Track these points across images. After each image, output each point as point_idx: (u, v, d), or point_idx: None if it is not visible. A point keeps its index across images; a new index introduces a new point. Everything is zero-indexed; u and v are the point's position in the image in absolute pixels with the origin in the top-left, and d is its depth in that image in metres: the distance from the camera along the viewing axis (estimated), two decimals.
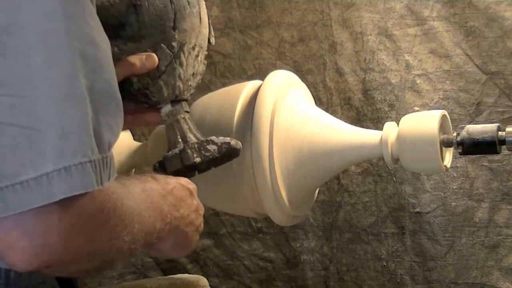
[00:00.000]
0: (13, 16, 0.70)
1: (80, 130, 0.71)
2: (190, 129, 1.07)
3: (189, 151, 1.04)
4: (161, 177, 0.92)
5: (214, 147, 1.05)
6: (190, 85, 1.07)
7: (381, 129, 1.15)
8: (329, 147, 1.16)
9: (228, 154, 1.06)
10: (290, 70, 1.29)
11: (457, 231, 1.54)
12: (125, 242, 0.77)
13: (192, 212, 0.95)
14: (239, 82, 1.29)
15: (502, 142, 1.11)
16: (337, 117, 1.24)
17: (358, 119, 1.57)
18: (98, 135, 0.73)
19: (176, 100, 1.06)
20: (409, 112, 1.22)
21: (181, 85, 1.05)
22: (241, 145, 1.08)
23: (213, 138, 1.05)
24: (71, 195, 0.70)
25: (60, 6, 0.72)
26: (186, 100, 1.08)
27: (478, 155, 1.48)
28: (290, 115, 1.18)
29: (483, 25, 1.50)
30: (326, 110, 1.43)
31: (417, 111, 1.40)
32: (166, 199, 0.89)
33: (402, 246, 1.57)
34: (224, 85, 1.48)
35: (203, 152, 1.04)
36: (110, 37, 0.98)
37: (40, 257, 0.71)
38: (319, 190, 1.32)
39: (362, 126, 1.32)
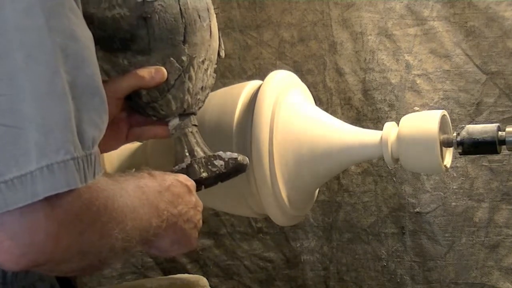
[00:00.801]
0: None
1: (62, 127, 0.71)
2: (197, 143, 1.06)
3: (196, 166, 1.03)
4: (158, 173, 0.91)
5: (221, 162, 1.05)
6: (199, 98, 1.07)
7: (381, 129, 1.15)
8: (329, 147, 1.16)
9: (235, 170, 1.06)
10: (290, 70, 1.29)
11: (457, 231, 1.54)
12: (118, 239, 0.77)
13: (190, 208, 0.95)
14: (239, 82, 1.29)
15: (502, 142, 1.11)
16: (337, 117, 1.24)
17: (358, 119, 1.57)
18: (81, 132, 0.73)
19: (184, 114, 1.06)
20: (409, 112, 1.22)
21: (189, 99, 1.05)
22: (248, 161, 1.08)
23: (221, 153, 1.05)
24: (55, 193, 0.69)
25: (38, 2, 0.71)
26: (194, 113, 1.07)
27: (478, 155, 1.48)
28: (290, 115, 1.18)
29: (483, 25, 1.50)
30: (326, 110, 1.43)
31: (417, 111, 1.40)
32: (163, 195, 0.89)
33: (402, 246, 1.57)
34: (224, 85, 1.48)
35: (210, 167, 1.04)
36: (119, 50, 0.98)
37: (28, 256, 0.70)
38: (319, 190, 1.32)
39: (362, 126, 1.32)
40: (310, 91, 1.29)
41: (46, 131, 0.70)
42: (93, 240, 0.74)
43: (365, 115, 1.58)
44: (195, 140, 1.06)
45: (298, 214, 1.24)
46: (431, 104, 1.53)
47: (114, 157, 1.37)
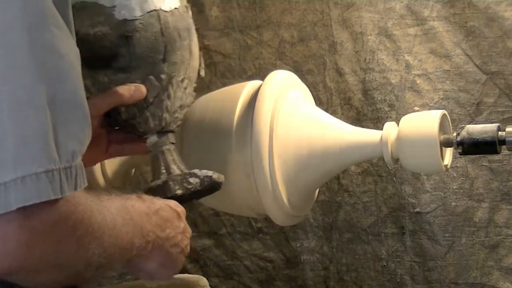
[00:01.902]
0: None
1: (38, 139, 0.72)
2: (174, 160, 1.08)
3: (171, 183, 1.05)
4: (148, 197, 0.93)
5: (197, 180, 1.06)
6: (177, 117, 1.08)
7: (381, 129, 1.15)
8: (329, 147, 1.16)
9: (210, 187, 1.08)
10: (290, 70, 1.29)
11: (457, 231, 1.54)
12: (94, 254, 0.77)
13: (178, 233, 0.96)
14: (239, 82, 1.29)
15: (502, 142, 1.11)
16: (337, 117, 1.24)
17: (358, 119, 1.57)
18: (59, 144, 0.73)
19: (162, 132, 1.07)
20: (409, 112, 1.22)
21: (167, 117, 1.06)
22: (223, 179, 1.09)
23: (196, 171, 1.06)
24: (28, 204, 0.70)
25: (19, 17, 0.72)
26: (172, 131, 1.09)
27: (478, 155, 1.48)
28: (290, 115, 1.18)
29: (483, 25, 1.50)
30: (326, 110, 1.43)
31: (417, 111, 1.40)
32: (150, 218, 0.90)
33: (402, 246, 1.57)
34: (224, 85, 1.48)
35: (185, 184, 1.05)
36: (101, 67, 0.99)
37: (0, 264, 0.71)
38: (319, 190, 1.32)
39: (362, 126, 1.32)
40: (310, 91, 1.29)
41: (23, 142, 0.71)
42: (69, 253, 0.75)
43: (365, 115, 1.58)
44: (172, 158, 1.08)
45: (298, 214, 1.24)
46: (431, 104, 1.53)
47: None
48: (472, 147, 1.12)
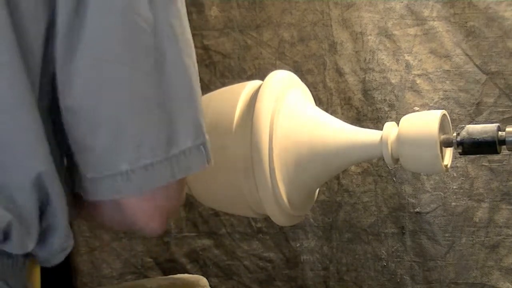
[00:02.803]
0: None
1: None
2: None
3: None
4: None
5: None
6: None
7: (381, 129, 1.15)
8: (329, 147, 1.16)
9: None
10: (290, 70, 1.29)
11: (457, 231, 1.54)
12: None
13: None
14: (239, 82, 1.29)
15: (502, 142, 1.11)
16: (337, 117, 1.24)
17: (358, 119, 1.57)
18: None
19: None
20: (409, 112, 1.22)
21: None
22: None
23: None
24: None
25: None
26: None
27: (478, 155, 1.48)
28: (290, 115, 1.18)
29: (483, 25, 1.50)
30: (326, 110, 1.43)
31: (417, 111, 1.40)
32: None
33: (402, 246, 1.57)
34: (224, 85, 1.48)
35: None
36: None
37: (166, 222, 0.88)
38: (319, 190, 1.32)
39: (362, 126, 1.32)
40: (310, 91, 1.29)
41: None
42: None
43: (365, 115, 1.58)
44: None
45: (298, 214, 1.24)
46: (431, 104, 1.53)
47: None
48: (472, 147, 1.12)
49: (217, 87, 1.42)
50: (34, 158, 0.78)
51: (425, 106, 1.53)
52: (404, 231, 1.57)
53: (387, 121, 1.17)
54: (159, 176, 0.80)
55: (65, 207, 0.81)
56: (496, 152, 1.13)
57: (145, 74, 0.80)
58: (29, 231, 0.78)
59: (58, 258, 0.83)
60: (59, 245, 0.81)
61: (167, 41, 0.82)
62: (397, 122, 1.16)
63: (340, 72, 1.60)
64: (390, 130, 1.14)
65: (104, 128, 0.79)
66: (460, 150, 1.13)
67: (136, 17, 0.79)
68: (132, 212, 0.84)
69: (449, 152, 1.17)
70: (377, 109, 1.57)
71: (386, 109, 1.56)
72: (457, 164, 1.52)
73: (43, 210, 0.80)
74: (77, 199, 0.86)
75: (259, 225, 1.67)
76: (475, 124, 1.24)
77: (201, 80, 1.48)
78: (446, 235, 1.54)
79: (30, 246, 0.79)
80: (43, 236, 0.80)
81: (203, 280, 1.41)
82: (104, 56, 0.79)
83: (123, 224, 0.87)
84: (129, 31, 0.79)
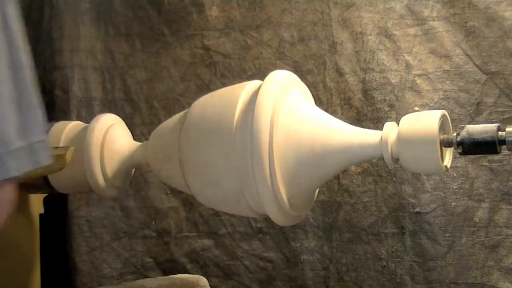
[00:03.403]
0: None
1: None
2: None
3: None
4: None
5: None
6: None
7: (381, 129, 1.15)
8: (329, 147, 1.16)
9: None
10: (290, 70, 1.29)
11: (457, 231, 1.54)
12: None
13: None
14: (239, 82, 1.29)
15: (502, 142, 1.11)
16: (337, 117, 1.24)
17: (358, 119, 1.57)
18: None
19: None
20: (409, 112, 1.22)
21: None
22: None
23: None
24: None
25: None
26: None
27: (478, 155, 1.48)
28: (290, 115, 1.18)
29: (483, 25, 1.50)
30: (326, 110, 1.43)
31: (417, 111, 1.40)
32: None
33: (402, 246, 1.57)
34: (224, 85, 1.48)
35: None
36: None
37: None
38: (319, 190, 1.32)
39: (362, 126, 1.32)
40: (310, 91, 1.29)
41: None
42: None
43: (365, 115, 1.58)
44: None
45: (298, 214, 1.24)
46: (431, 104, 1.53)
47: (114, 156, 1.37)
48: (472, 147, 1.12)
49: (217, 87, 1.42)
50: None
51: (425, 106, 1.53)
52: (404, 231, 1.57)
53: (387, 121, 1.17)
54: None
55: None
56: (496, 152, 1.13)
57: None
58: None
59: None
60: None
61: None
62: (397, 122, 1.16)
63: (340, 72, 1.60)
64: (390, 130, 1.14)
65: None
66: (460, 150, 1.13)
67: None
68: None
69: (449, 152, 1.17)
70: (377, 109, 1.57)
71: (386, 109, 1.56)
72: (457, 164, 1.52)
73: None
74: None
75: (259, 225, 1.67)
76: (475, 124, 1.24)
77: (201, 80, 1.50)
78: (446, 235, 1.54)
79: None
80: None
81: (203, 280, 1.41)
82: None
83: None
84: None
